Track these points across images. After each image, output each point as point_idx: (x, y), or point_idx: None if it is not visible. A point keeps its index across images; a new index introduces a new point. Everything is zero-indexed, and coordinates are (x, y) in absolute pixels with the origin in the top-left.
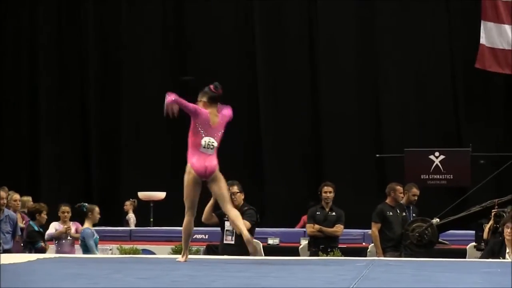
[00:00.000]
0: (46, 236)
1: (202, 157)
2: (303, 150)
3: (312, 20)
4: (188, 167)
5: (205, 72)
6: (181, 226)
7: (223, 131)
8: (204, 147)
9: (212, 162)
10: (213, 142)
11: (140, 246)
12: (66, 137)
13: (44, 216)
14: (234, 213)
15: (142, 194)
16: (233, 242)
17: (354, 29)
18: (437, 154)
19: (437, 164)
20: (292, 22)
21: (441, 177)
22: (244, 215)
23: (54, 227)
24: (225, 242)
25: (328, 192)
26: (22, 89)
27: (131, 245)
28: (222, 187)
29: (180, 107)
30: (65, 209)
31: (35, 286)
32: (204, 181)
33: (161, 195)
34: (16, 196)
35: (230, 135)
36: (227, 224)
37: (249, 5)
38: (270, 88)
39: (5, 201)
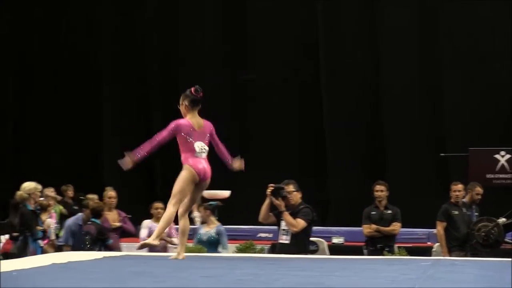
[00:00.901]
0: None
1: (199, 160)
2: (367, 149)
3: (374, 13)
4: (188, 166)
5: (266, 71)
6: (245, 225)
7: (209, 138)
8: (199, 152)
9: (208, 166)
10: (204, 146)
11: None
12: (130, 134)
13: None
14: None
15: (206, 193)
16: (288, 242)
17: (417, 26)
18: (503, 153)
19: (502, 164)
20: (354, 17)
21: (507, 176)
22: (299, 213)
23: (147, 225)
24: (280, 241)
25: (379, 190)
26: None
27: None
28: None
29: (158, 146)
30: (158, 205)
31: (100, 283)
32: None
33: (226, 193)
34: (112, 193)
35: (296, 134)
36: (282, 223)
37: (311, 2)
38: (332, 85)
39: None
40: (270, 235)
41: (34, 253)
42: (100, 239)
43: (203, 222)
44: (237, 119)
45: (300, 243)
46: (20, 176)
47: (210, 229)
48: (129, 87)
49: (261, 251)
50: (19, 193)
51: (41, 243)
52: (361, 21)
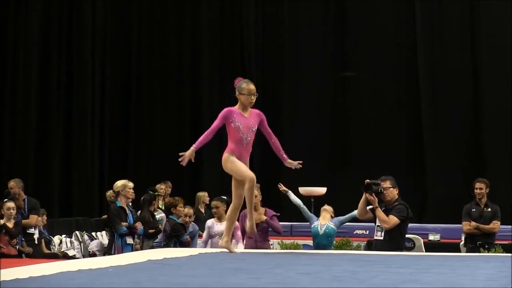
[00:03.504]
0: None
1: (243, 149)
2: (465, 146)
3: (474, 16)
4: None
5: (365, 68)
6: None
7: (262, 127)
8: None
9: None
10: (248, 136)
11: (300, 241)
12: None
13: (180, 209)
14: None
15: (303, 190)
16: (381, 238)
17: None
18: None
19: None
20: (453, 17)
21: None
22: (393, 210)
23: (207, 225)
24: (375, 237)
25: (479, 188)
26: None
27: (292, 240)
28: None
29: (211, 134)
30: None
31: (198, 279)
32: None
33: (322, 190)
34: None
35: (394, 131)
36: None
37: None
38: (431, 84)
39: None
40: (367, 232)
41: (120, 250)
42: (174, 236)
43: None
44: (335, 116)
45: (394, 240)
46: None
47: (325, 222)
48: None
49: (358, 248)
50: (109, 192)
51: (130, 240)
52: (461, 22)
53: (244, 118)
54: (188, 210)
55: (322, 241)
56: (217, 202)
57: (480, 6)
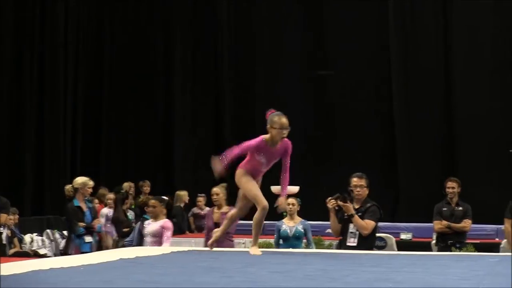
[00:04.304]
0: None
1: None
2: (438, 145)
3: (447, 17)
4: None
5: (339, 67)
6: (315, 220)
7: (283, 158)
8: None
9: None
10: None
11: (272, 240)
12: (201, 134)
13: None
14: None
15: (275, 188)
16: (355, 244)
17: (491, 26)
18: None
19: None
20: (427, 19)
21: None
22: (366, 213)
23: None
24: (348, 244)
25: (451, 187)
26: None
27: (265, 239)
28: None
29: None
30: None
31: (171, 278)
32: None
33: (295, 189)
34: (215, 189)
35: (368, 131)
36: (351, 226)
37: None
38: (404, 83)
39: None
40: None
41: (78, 250)
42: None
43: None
44: (308, 116)
45: (368, 243)
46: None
47: (295, 224)
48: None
49: (329, 246)
50: (68, 186)
51: (88, 239)
52: (435, 23)
53: (269, 152)
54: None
55: (293, 243)
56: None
57: (453, 8)
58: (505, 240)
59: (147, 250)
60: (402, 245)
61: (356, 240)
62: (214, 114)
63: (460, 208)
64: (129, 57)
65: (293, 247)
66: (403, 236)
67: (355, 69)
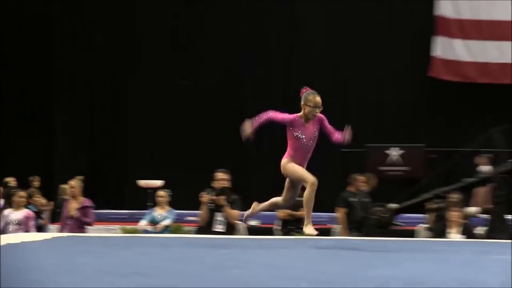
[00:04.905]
0: None
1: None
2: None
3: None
4: (286, 159)
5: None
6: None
7: (323, 128)
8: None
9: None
10: (308, 145)
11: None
12: (76, 125)
13: (36, 199)
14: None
15: (143, 182)
16: (224, 230)
17: (323, 31)
18: (395, 149)
19: (395, 158)
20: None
21: (398, 169)
22: (233, 205)
23: (3, 214)
24: (215, 229)
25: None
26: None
27: (132, 226)
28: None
29: (270, 121)
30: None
31: (49, 261)
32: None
33: (159, 183)
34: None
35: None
36: (219, 215)
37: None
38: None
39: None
40: (196, 218)
41: None
42: None
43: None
44: (166, 118)
45: (230, 229)
46: None
47: (164, 212)
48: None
49: (188, 232)
50: None
51: None
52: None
53: (305, 128)
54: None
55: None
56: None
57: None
58: (337, 226)
59: (32, 236)
60: (253, 231)
61: (224, 227)
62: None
63: (301, 199)
64: None
65: (162, 233)
66: (252, 223)
67: (208, 79)
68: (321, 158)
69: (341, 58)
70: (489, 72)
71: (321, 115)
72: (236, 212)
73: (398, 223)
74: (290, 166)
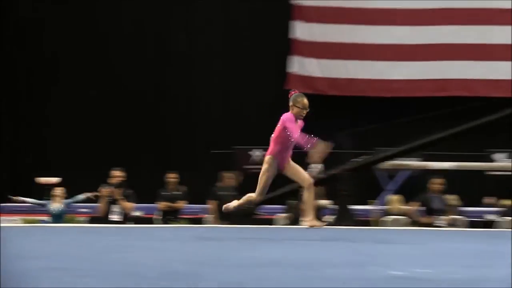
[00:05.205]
0: None
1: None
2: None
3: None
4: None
5: None
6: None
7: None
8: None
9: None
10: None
11: (39, 217)
12: None
13: None
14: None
15: (40, 179)
16: (121, 220)
17: (151, 29)
18: (258, 150)
19: (258, 158)
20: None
21: (261, 167)
22: (129, 198)
23: None
24: (112, 219)
25: (172, 177)
26: None
27: (33, 217)
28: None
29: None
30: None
31: None
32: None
33: (55, 180)
34: None
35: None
36: (115, 206)
37: None
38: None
39: None
40: (90, 210)
41: None
42: None
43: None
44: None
45: (129, 220)
46: None
47: (60, 205)
48: None
49: (81, 222)
50: None
51: None
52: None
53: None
54: None
55: (57, 219)
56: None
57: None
58: (209, 215)
59: None
60: (138, 220)
61: (121, 218)
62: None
63: (180, 192)
64: None
65: (58, 223)
66: (137, 213)
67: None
68: (196, 158)
69: (215, 70)
70: (336, 85)
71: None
72: (130, 204)
73: (260, 213)
74: (265, 170)
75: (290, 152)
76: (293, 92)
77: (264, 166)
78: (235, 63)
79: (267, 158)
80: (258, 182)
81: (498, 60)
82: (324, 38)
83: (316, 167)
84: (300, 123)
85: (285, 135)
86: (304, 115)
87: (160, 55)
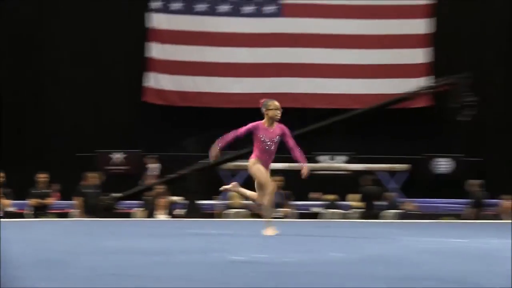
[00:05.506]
0: None
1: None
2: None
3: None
4: (254, 160)
5: None
6: None
7: (285, 139)
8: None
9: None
10: (270, 147)
11: None
12: None
13: None
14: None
15: None
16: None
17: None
18: (118, 153)
19: (118, 160)
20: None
21: (121, 168)
22: (7, 195)
23: None
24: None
25: (42, 177)
26: None
27: None
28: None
29: (235, 139)
30: None
31: None
32: None
33: None
34: None
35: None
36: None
37: None
38: None
39: None
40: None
41: None
42: None
43: None
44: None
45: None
46: None
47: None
48: None
49: None
50: None
51: None
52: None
53: (268, 132)
54: None
55: None
56: None
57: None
58: (76, 210)
59: None
60: (10, 215)
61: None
62: None
63: (48, 190)
64: None
65: None
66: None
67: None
68: (63, 160)
69: (83, 85)
70: (186, 98)
71: (284, 127)
72: (8, 201)
73: (119, 208)
74: (257, 169)
75: (272, 157)
76: (262, 101)
77: (252, 168)
78: (100, 80)
79: (250, 161)
80: (258, 182)
81: (322, 77)
82: (176, 57)
83: (154, 169)
84: (279, 128)
85: (258, 138)
86: (279, 115)
87: (33, 65)
